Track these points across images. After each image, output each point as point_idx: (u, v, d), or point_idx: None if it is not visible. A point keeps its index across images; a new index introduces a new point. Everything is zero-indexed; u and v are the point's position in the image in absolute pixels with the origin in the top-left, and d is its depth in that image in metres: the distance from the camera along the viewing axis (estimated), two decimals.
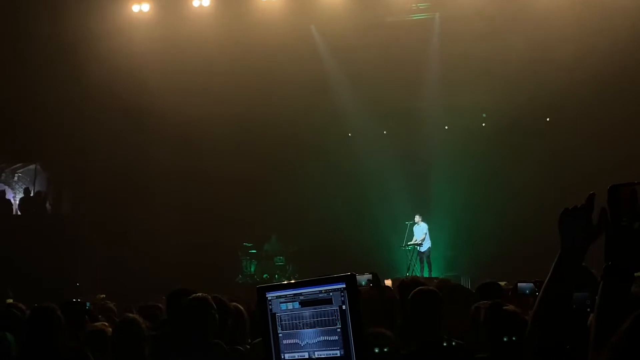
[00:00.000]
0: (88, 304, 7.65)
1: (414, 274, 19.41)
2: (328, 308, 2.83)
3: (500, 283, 12.56)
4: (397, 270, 20.51)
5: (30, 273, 17.77)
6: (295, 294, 2.93)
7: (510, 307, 4.92)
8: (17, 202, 22.42)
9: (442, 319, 5.22)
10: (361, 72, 21.48)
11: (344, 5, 21.12)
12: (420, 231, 20.67)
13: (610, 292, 2.24)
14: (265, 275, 20.98)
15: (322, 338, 2.85)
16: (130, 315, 5.93)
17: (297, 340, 2.92)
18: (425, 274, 19.80)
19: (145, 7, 21.49)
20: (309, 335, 2.88)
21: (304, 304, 2.91)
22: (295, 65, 20.93)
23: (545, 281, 2.56)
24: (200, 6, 21.39)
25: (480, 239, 20.10)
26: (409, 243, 20.60)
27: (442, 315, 5.23)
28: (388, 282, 12.83)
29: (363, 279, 8.65)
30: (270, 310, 3.00)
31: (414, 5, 21.85)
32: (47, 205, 22.85)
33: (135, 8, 21.52)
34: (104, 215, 21.34)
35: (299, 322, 2.92)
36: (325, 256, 19.73)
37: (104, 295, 13.07)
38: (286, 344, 2.95)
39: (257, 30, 21.11)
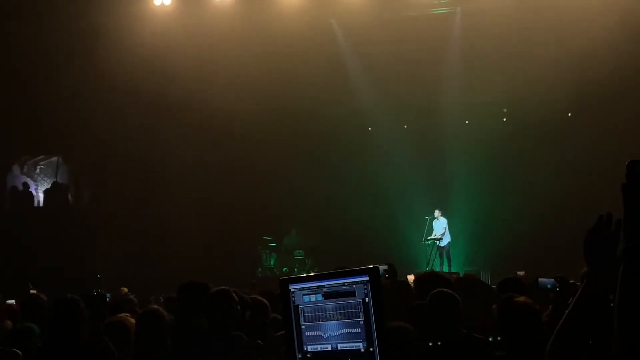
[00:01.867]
0: (108, 295, 7.72)
1: (433, 268, 19.34)
2: (351, 300, 2.84)
3: (519, 273, 12.54)
4: (417, 265, 20.44)
5: (51, 265, 17.93)
6: (318, 286, 2.94)
7: (522, 298, 4.90)
8: (41, 193, 22.57)
9: (461, 316, 5.22)
10: (382, 67, 21.43)
11: None
12: (440, 226, 20.60)
13: (631, 274, 2.18)
14: (284, 269, 21.01)
15: (345, 330, 2.85)
16: (153, 307, 5.96)
17: (319, 332, 2.93)
18: (445, 269, 19.73)
19: (167, 1, 21.56)
20: (332, 328, 2.89)
21: (327, 296, 2.91)
22: (316, 59, 20.93)
23: (568, 311, 2.46)
24: (222, 0, 21.43)
25: (499, 233, 20.00)
26: (428, 238, 20.54)
27: (460, 313, 5.22)
28: (410, 278, 12.76)
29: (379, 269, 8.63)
30: (294, 302, 3.01)
31: None
32: (69, 197, 22.99)
33: (157, 1, 21.58)
34: (125, 208, 21.42)
35: (322, 314, 2.92)
36: (344, 250, 19.70)
37: (127, 289, 13.15)
38: (309, 335, 2.96)
39: (277, 24, 21.09)
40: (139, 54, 20.66)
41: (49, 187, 22.64)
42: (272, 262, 21.69)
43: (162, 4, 21.57)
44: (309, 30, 21.05)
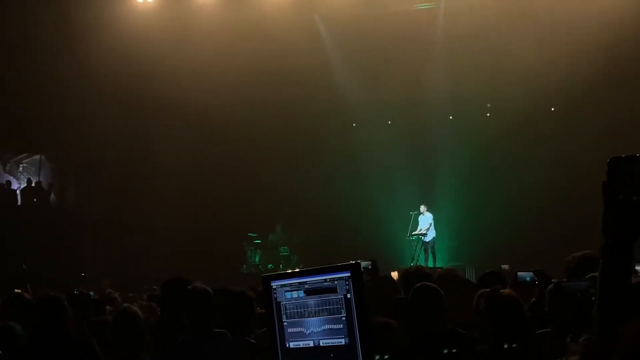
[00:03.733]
0: (92, 293, 7.70)
1: (418, 264, 19.37)
2: (333, 296, 2.84)
3: (503, 266, 12.60)
4: (402, 260, 20.48)
5: (34, 264, 17.83)
6: (300, 283, 2.94)
7: (507, 291, 4.94)
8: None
9: (445, 311, 5.24)
10: (365, 62, 21.50)
11: None
12: (425, 221, 20.66)
13: (611, 269, 2.21)
14: (270, 266, 21.02)
15: (327, 326, 2.85)
16: (128, 306, 5.96)
17: (302, 329, 2.93)
18: (430, 264, 19.79)
19: None
20: (314, 324, 2.89)
21: (309, 292, 2.91)
22: (299, 54, 20.95)
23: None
24: None
25: (484, 229, 20.07)
26: (413, 233, 20.59)
27: (444, 308, 5.24)
28: (394, 274, 12.78)
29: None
30: (275, 298, 3.01)
31: None
32: (52, 195, 22.89)
33: None
34: (109, 206, 21.38)
35: (304, 311, 2.92)
36: (330, 246, 19.74)
37: (108, 283, 13.12)
38: (291, 332, 2.96)
39: (261, 20, 21.12)
40: (121, 51, 20.63)
41: (32, 185, 22.52)
42: (257, 259, 21.68)
43: (145, 1, 21.51)
44: (292, 25, 21.04)
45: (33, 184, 22.54)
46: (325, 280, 2.86)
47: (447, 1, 21.80)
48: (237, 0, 21.48)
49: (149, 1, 21.57)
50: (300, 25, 21.40)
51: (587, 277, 4.38)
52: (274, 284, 3.02)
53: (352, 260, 2.99)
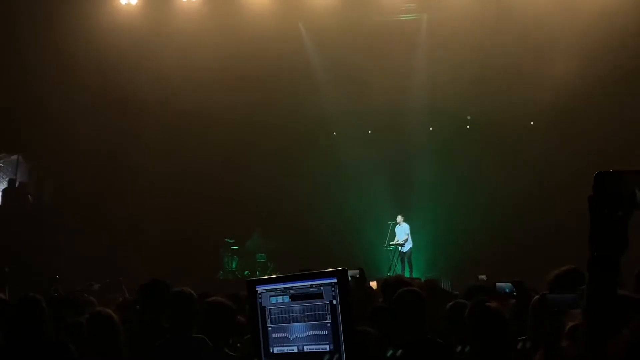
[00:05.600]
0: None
1: (395, 274, 19.38)
2: (318, 302, 2.84)
3: (480, 276, 12.66)
4: (379, 270, 20.47)
5: (11, 264, 17.64)
6: (285, 288, 2.94)
7: (493, 303, 4.96)
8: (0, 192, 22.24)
9: (427, 319, 5.25)
10: (347, 71, 21.50)
11: (332, 3, 21.15)
12: (402, 232, 20.70)
13: (597, 284, 2.23)
14: (246, 272, 20.94)
15: (311, 332, 2.86)
16: (102, 309, 5.92)
17: (286, 334, 2.93)
18: (407, 275, 19.80)
19: (134, 0, 21.46)
20: (299, 329, 2.89)
21: (294, 297, 2.91)
22: (281, 61, 20.98)
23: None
24: (189, 0, 21.38)
25: (462, 240, 20.15)
26: (391, 243, 20.62)
27: (426, 315, 5.25)
28: (373, 284, 12.81)
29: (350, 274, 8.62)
30: (260, 303, 3.00)
31: (402, 5, 21.87)
32: (29, 196, 22.69)
33: (123, 1, 21.47)
34: (87, 207, 21.22)
35: (289, 316, 2.92)
36: (307, 254, 19.64)
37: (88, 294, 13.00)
38: (275, 337, 2.96)
39: (244, 26, 21.09)
40: (103, 52, 20.56)
41: (16, 185, 22.30)
42: (233, 265, 21.58)
43: (129, 3, 21.45)
44: (276, 32, 21.03)
45: (17, 185, 22.31)
46: (311, 286, 2.87)
47: (430, 13, 21.88)
48: (220, 6, 21.42)
49: (133, 4, 21.48)
50: (284, 32, 21.35)
51: (581, 288, 4.39)
52: (259, 288, 3.02)
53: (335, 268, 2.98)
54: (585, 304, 2.24)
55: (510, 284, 7.08)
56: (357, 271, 9.02)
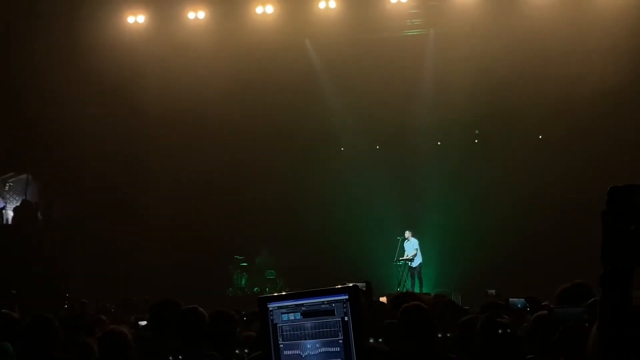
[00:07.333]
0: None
1: (404, 289, 19.33)
2: (330, 319, 2.83)
3: (489, 291, 12.62)
4: (388, 285, 20.43)
5: (21, 283, 17.68)
6: (297, 305, 2.93)
7: (505, 318, 4.95)
8: (10, 211, 22.26)
9: (434, 335, 5.22)
10: (355, 87, 21.54)
11: (338, 19, 21.16)
12: (411, 247, 20.65)
13: (611, 297, 2.22)
14: (256, 289, 20.95)
15: (323, 349, 2.85)
16: (116, 327, 5.93)
17: (298, 351, 2.92)
18: (417, 290, 19.75)
19: (141, 19, 21.60)
20: (311, 347, 2.88)
21: (305, 314, 2.91)
22: (289, 78, 20.98)
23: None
24: (196, 18, 21.48)
25: (471, 255, 20.09)
26: (400, 258, 20.58)
27: (433, 330, 5.23)
28: (383, 299, 12.78)
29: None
30: (272, 320, 3.00)
31: (408, 21, 21.91)
32: (39, 215, 22.73)
33: (130, 19, 21.60)
34: (95, 226, 21.25)
35: (301, 333, 2.91)
36: (316, 270, 19.62)
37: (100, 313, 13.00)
38: (287, 354, 2.95)
39: (251, 42, 21.16)
40: (110, 71, 20.60)
41: (18, 204, 22.34)
42: (243, 282, 21.59)
43: (136, 22, 21.57)
44: (283, 49, 21.10)
45: (26, 204, 22.36)
46: (322, 302, 2.86)
47: (436, 28, 21.92)
48: (226, 23, 21.49)
49: (140, 22, 21.60)
50: (291, 48, 21.42)
51: (588, 302, 4.40)
52: (271, 305, 3.01)
53: (340, 284, 2.98)
54: (599, 319, 2.23)
55: (523, 300, 7.06)
56: (364, 284, 9.03)
